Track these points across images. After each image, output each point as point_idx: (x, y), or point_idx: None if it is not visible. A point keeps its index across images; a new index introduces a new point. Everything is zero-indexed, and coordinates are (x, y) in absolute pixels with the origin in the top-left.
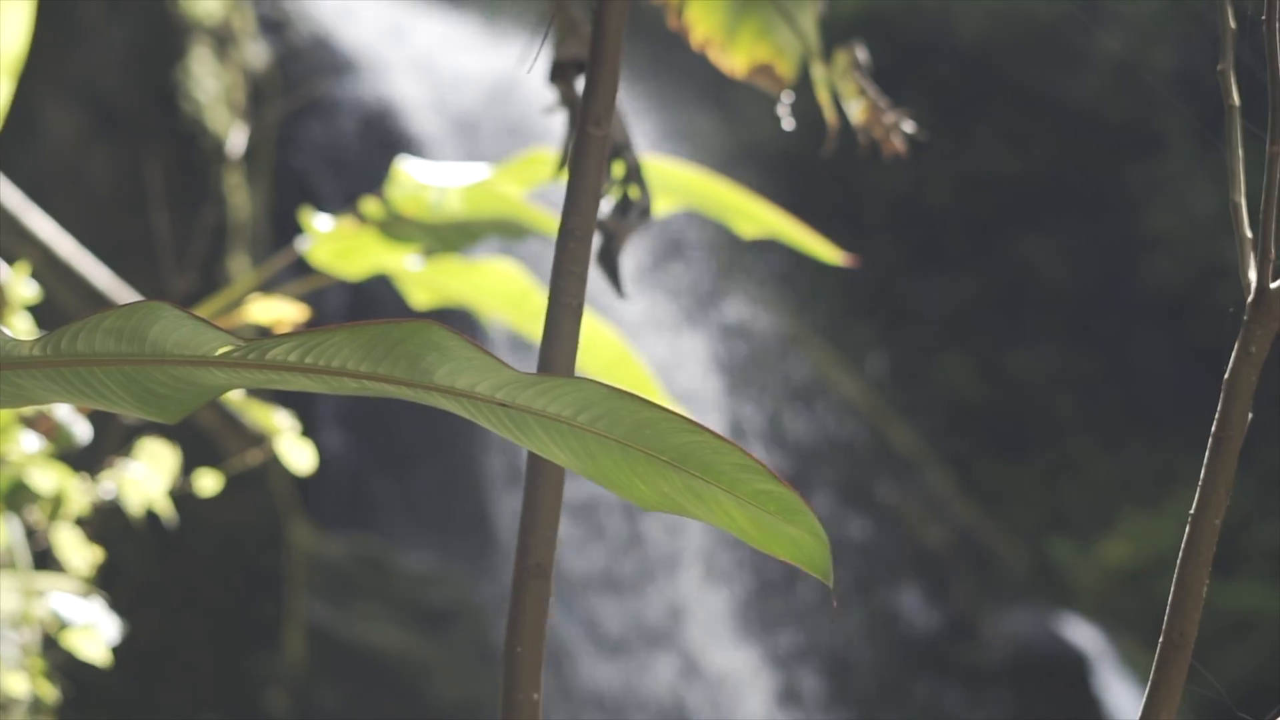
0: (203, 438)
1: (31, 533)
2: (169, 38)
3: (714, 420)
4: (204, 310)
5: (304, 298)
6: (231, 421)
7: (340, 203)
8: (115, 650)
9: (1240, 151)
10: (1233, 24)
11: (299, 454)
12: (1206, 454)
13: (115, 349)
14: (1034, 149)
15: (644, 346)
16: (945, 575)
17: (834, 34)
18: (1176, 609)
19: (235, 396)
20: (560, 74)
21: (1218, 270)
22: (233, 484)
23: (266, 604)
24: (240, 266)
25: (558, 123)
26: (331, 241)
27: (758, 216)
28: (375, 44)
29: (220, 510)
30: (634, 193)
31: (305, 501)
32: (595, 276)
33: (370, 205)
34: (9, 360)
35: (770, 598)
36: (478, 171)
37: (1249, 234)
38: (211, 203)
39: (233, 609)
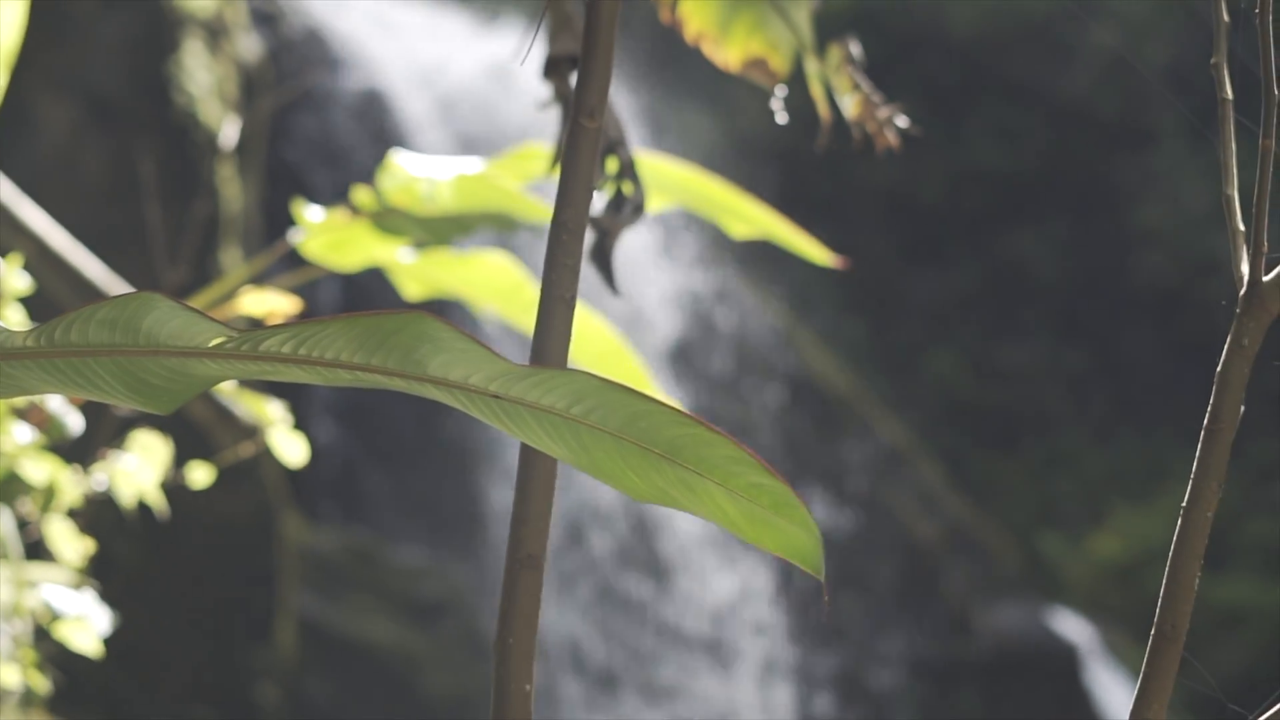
0: (195, 430)
1: (23, 524)
2: (162, 30)
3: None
4: (196, 302)
5: (296, 290)
6: (224, 414)
7: (332, 195)
8: (107, 642)
9: (1233, 145)
10: (1226, 17)
11: (291, 446)
12: (1199, 446)
13: (109, 340)
14: (1026, 144)
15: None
16: (936, 569)
17: (827, 29)
18: (1168, 601)
19: (228, 388)
20: (554, 69)
21: (1208, 265)
22: (225, 477)
23: (258, 596)
24: (232, 259)
25: (551, 118)
26: (324, 234)
27: (750, 216)
28: (367, 37)
29: (212, 503)
30: (627, 189)
31: (297, 494)
32: (588, 273)
33: (362, 197)
34: (3, 351)
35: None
36: (470, 164)
37: (1241, 227)
38: (204, 195)
39: (224, 601)
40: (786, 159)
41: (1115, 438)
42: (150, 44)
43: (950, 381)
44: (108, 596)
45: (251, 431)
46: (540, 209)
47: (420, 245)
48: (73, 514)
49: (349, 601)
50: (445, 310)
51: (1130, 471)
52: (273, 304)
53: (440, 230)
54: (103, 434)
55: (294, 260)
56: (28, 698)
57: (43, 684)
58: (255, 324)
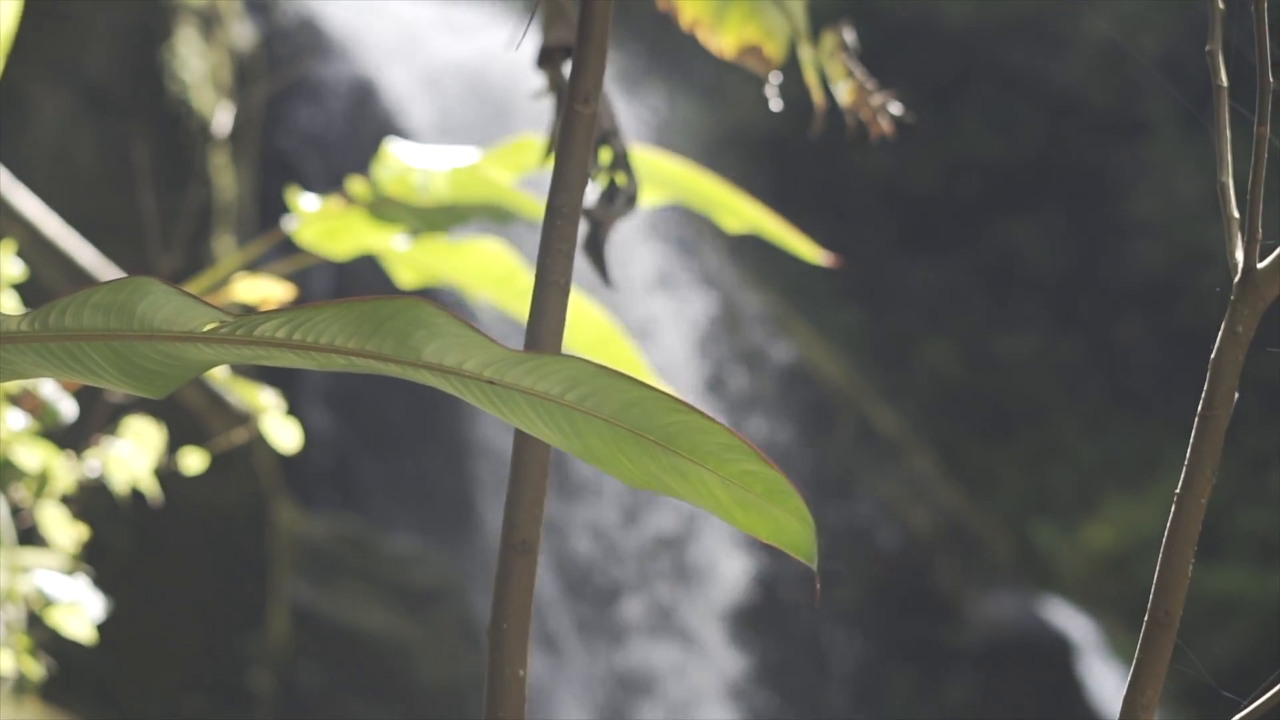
0: (188, 416)
1: (17, 510)
2: (155, 18)
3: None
4: (190, 289)
5: (290, 277)
6: (217, 400)
7: (325, 183)
8: (100, 628)
9: (1228, 133)
10: (1221, 4)
11: (284, 433)
12: (1193, 433)
13: (103, 324)
14: (1019, 133)
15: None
16: (929, 558)
17: (821, 16)
18: (1162, 588)
19: (221, 374)
20: (548, 59)
21: (1202, 254)
22: (218, 463)
23: (250, 583)
24: (226, 246)
25: (545, 107)
26: (318, 221)
27: (743, 212)
28: (361, 25)
29: (205, 489)
30: (621, 179)
31: (290, 482)
32: (581, 264)
33: (357, 185)
34: None
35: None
36: (465, 155)
37: (1236, 214)
38: (197, 182)
39: (217, 588)
40: (780, 148)
41: (1109, 427)
42: (144, 32)
43: (943, 370)
44: (101, 583)
45: (244, 418)
46: (533, 204)
47: (415, 234)
48: (66, 500)
49: (342, 589)
50: (439, 297)
51: (1124, 461)
52: (266, 290)
53: (435, 220)
54: (96, 420)
55: (287, 248)
56: (21, 684)
57: (36, 670)
58: (249, 310)
